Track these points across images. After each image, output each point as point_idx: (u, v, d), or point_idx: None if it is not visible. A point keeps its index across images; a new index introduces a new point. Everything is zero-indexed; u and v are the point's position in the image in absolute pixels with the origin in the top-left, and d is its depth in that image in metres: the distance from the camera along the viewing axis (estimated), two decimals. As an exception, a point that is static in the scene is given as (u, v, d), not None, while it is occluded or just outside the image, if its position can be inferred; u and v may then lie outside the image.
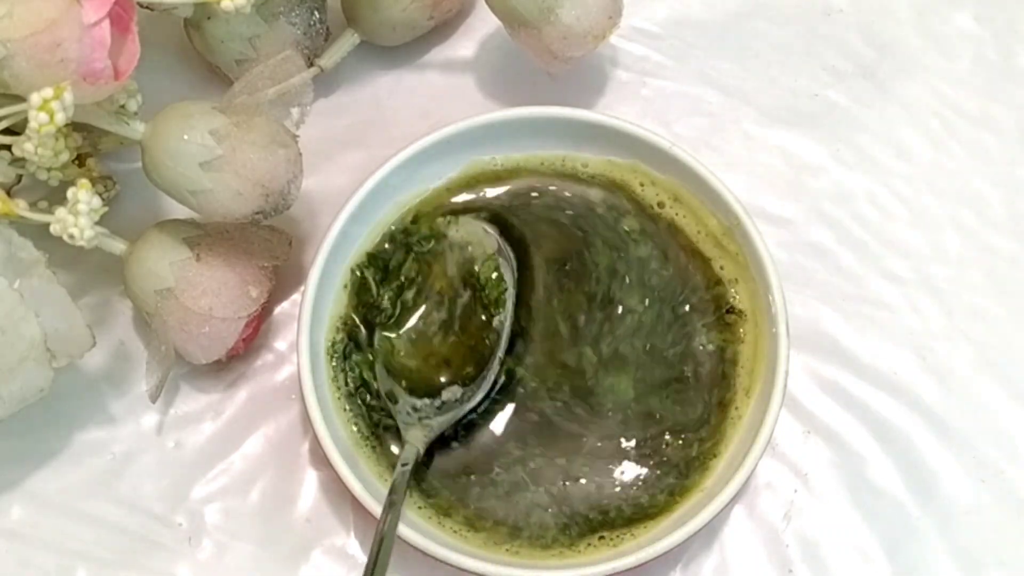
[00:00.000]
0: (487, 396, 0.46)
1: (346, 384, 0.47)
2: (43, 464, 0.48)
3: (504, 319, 0.47)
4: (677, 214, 0.50)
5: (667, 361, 0.47)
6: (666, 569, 0.47)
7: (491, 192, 0.50)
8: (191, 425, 0.49)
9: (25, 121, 0.40)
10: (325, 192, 0.52)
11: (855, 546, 0.48)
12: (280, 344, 0.51)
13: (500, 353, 0.46)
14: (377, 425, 0.47)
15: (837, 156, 0.55)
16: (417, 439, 0.45)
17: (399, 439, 0.46)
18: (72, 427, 0.49)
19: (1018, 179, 0.55)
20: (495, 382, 0.46)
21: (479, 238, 0.48)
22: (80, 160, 0.49)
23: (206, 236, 0.47)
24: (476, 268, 0.47)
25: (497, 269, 0.47)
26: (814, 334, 0.51)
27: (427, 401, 0.46)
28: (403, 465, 0.43)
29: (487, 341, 0.47)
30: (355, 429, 0.46)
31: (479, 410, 0.46)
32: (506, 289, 0.47)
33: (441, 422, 0.45)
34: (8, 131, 0.43)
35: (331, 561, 0.47)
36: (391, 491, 0.42)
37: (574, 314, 0.48)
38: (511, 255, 0.48)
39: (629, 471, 0.46)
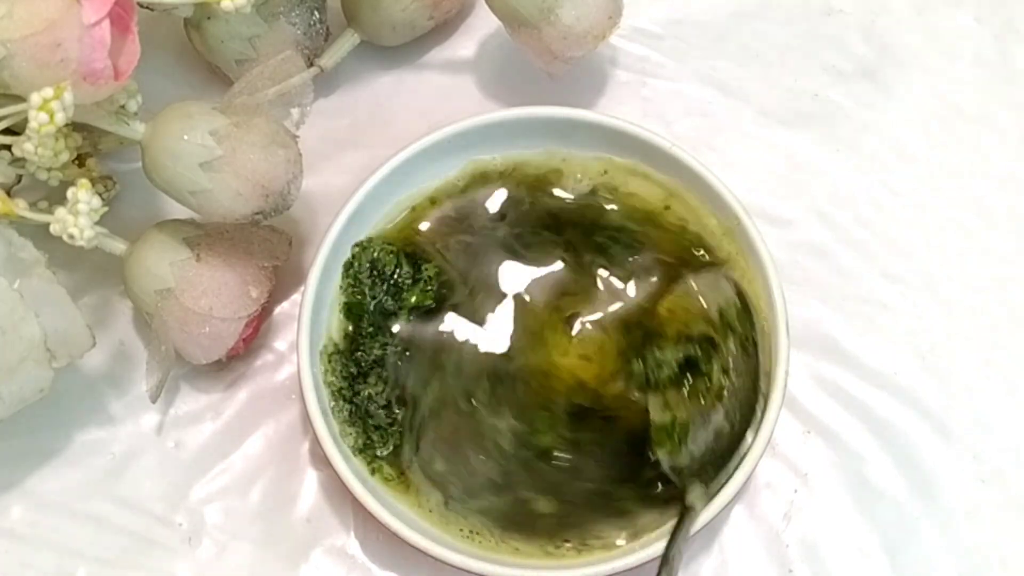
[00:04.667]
0: None
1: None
2: (43, 464, 0.48)
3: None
4: (679, 212, 0.50)
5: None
6: (666, 569, 0.47)
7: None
8: (191, 425, 0.49)
9: (25, 121, 0.40)
10: (325, 192, 0.52)
11: (855, 546, 0.48)
12: (280, 344, 0.51)
13: None
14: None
15: (837, 156, 0.55)
16: (698, 497, 0.42)
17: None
18: (72, 427, 0.49)
19: (1018, 179, 0.55)
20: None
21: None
22: (80, 160, 0.49)
23: (206, 236, 0.47)
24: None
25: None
26: (814, 334, 0.51)
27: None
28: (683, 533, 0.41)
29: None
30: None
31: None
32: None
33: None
34: (8, 131, 0.43)
35: (331, 561, 0.47)
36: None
37: (572, 313, 0.48)
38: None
39: (629, 471, 0.46)
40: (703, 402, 0.44)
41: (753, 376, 0.45)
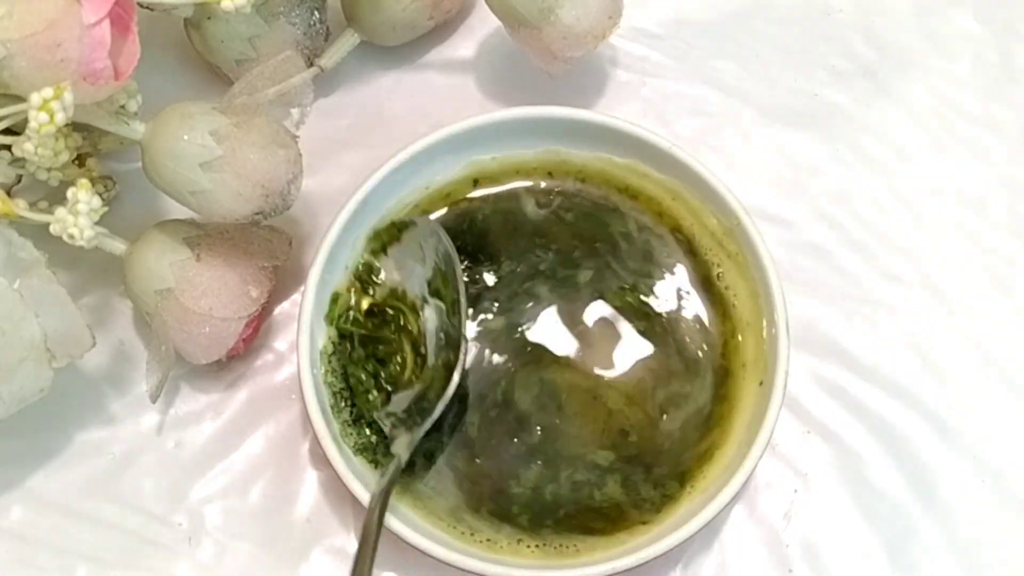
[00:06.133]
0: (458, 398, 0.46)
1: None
2: (43, 464, 0.48)
3: (459, 323, 0.47)
4: (677, 213, 0.50)
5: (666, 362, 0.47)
6: (666, 569, 0.47)
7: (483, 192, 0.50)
8: (191, 425, 0.49)
9: (25, 121, 0.40)
10: (325, 192, 0.52)
11: (855, 546, 0.48)
12: (280, 344, 0.51)
13: (462, 356, 0.46)
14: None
15: (837, 156, 0.55)
16: (402, 447, 0.44)
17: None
18: (72, 427, 0.49)
19: (1018, 179, 0.55)
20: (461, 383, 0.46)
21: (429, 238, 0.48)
22: (80, 160, 0.49)
23: (206, 236, 0.47)
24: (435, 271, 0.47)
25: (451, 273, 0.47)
26: (814, 334, 0.51)
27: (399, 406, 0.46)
28: (385, 478, 0.43)
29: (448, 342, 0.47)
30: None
31: (456, 413, 0.47)
32: (456, 297, 0.47)
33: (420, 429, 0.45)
34: (8, 131, 0.43)
35: (331, 561, 0.47)
36: (373, 502, 0.42)
37: (568, 313, 0.48)
38: (451, 253, 0.47)
39: (629, 471, 0.46)
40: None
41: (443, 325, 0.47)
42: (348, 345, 0.47)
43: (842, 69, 0.57)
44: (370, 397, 0.46)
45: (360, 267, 0.48)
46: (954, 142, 0.56)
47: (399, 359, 0.47)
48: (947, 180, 0.55)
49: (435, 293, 0.47)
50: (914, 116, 0.56)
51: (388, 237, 0.49)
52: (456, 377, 0.45)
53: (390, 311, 0.48)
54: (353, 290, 0.48)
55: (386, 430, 0.45)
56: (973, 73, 0.57)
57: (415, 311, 0.47)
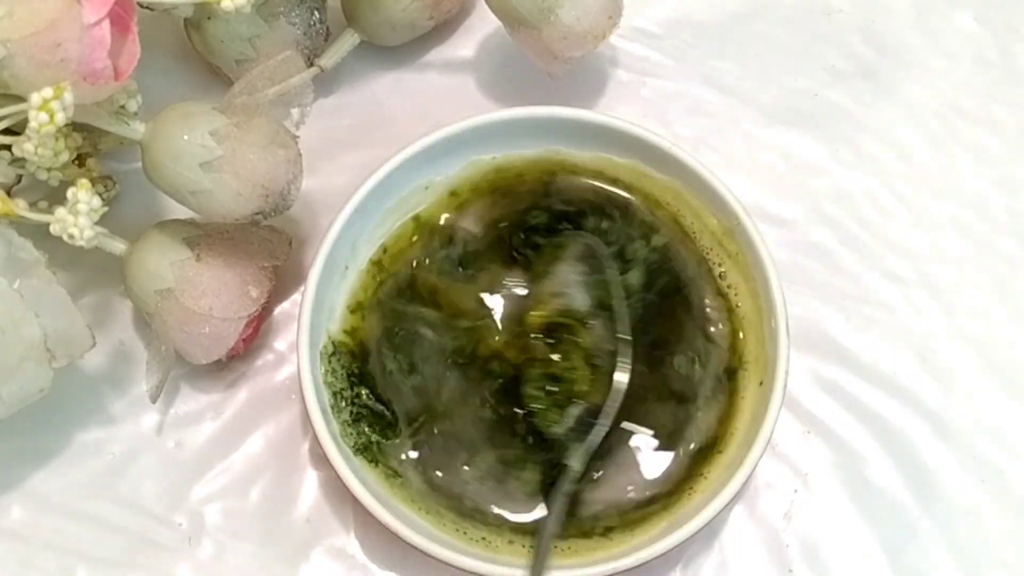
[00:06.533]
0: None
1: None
2: (43, 464, 0.48)
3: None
4: (678, 212, 0.50)
5: (666, 362, 0.47)
6: (666, 569, 0.47)
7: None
8: (191, 425, 0.49)
9: (25, 121, 0.40)
10: (325, 192, 0.52)
11: (855, 546, 0.48)
12: (280, 344, 0.51)
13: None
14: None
15: (837, 156, 0.55)
16: (576, 458, 0.45)
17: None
18: (72, 427, 0.49)
19: (1018, 179, 0.55)
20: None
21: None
22: (80, 160, 0.49)
23: (206, 236, 0.47)
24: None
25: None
26: (814, 334, 0.51)
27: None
28: (560, 489, 0.44)
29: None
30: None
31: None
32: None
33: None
34: (8, 131, 0.43)
35: (331, 561, 0.47)
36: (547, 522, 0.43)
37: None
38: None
39: (629, 471, 0.46)
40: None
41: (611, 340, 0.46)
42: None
43: (842, 69, 0.57)
44: (551, 415, 0.46)
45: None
46: (954, 142, 0.56)
47: (573, 373, 0.46)
48: (947, 180, 0.55)
49: (599, 303, 0.47)
50: (914, 116, 0.56)
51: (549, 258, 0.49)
52: (624, 380, 0.46)
53: (561, 326, 0.47)
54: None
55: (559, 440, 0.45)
56: (973, 73, 0.57)
57: (583, 323, 0.47)
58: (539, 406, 0.46)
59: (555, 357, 0.46)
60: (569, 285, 0.47)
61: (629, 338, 0.46)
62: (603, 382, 0.46)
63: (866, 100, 0.56)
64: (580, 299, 0.47)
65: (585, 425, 0.45)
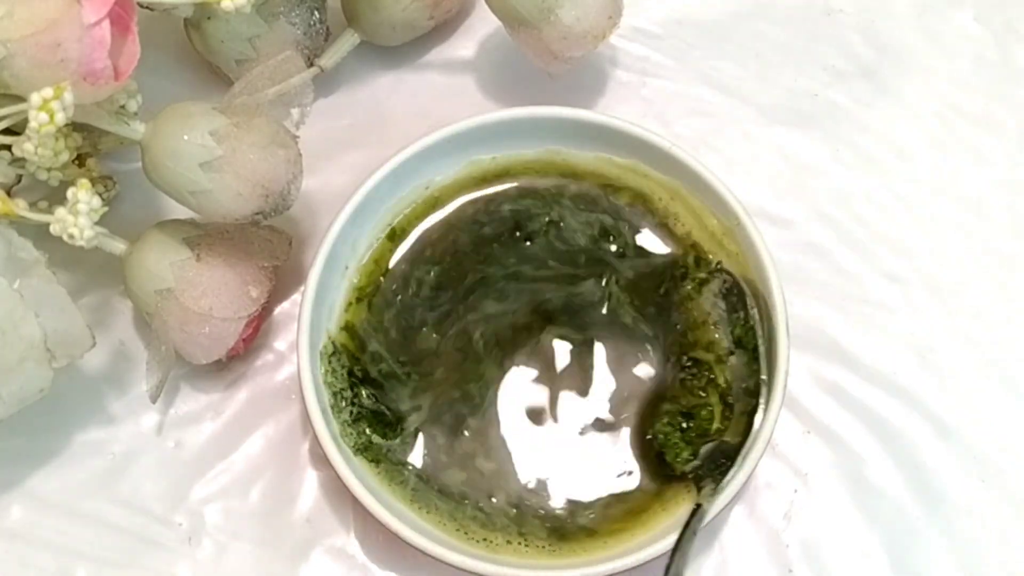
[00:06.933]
0: None
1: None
2: (43, 464, 0.48)
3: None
4: (677, 212, 0.50)
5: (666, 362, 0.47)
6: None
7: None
8: (191, 425, 0.49)
9: (25, 121, 0.40)
10: (325, 192, 0.52)
11: (855, 546, 0.48)
12: (280, 344, 0.51)
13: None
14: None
15: (837, 156, 0.55)
16: (707, 497, 0.43)
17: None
18: (72, 427, 0.49)
19: (1018, 179, 0.55)
20: None
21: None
22: (80, 160, 0.49)
23: (206, 236, 0.47)
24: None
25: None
26: (814, 334, 0.51)
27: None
28: (692, 530, 0.42)
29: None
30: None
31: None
32: None
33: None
34: (8, 131, 0.43)
35: (331, 561, 0.47)
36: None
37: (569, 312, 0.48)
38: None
39: (629, 472, 0.46)
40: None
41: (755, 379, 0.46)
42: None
43: (842, 69, 0.57)
44: (682, 453, 0.45)
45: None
46: (954, 142, 0.56)
47: (707, 411, 0.46)
48: (947, 180, 0.55)
49: (738, 342, 0.46)
50: (914, 116, 0.56)
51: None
52: (759, 423, 0.44)
53: (700, 362, 0.47)
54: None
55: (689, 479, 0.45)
56: (973, 73, 0.57)
57: (721, 361, 0.46)
58: (672, 441, 0.45)
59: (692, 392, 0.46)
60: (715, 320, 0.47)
61: (762, 378, 0.45)
62: (740, 421, 0.45)
63: (866, 100, 0.56)
64: (722, 334, 0.46)
65: (718, 464, 0.44)
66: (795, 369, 0.47)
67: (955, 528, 0.48)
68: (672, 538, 0.42)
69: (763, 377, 0.45)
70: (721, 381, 0.46)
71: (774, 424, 0.44)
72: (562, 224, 0.49)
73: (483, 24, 0.57)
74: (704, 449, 0.45)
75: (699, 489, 0.44)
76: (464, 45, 0.57)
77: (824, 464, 0.49)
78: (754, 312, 0.46)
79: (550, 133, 0.50)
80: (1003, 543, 0.48)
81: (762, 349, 0.46)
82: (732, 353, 0.46)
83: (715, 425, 0.45)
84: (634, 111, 0.55)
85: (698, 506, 0.43)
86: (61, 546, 0.47)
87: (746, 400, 0.45)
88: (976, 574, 0.47)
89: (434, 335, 0.48)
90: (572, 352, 0.47)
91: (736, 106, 0.56)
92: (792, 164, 0.55)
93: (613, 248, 0.49)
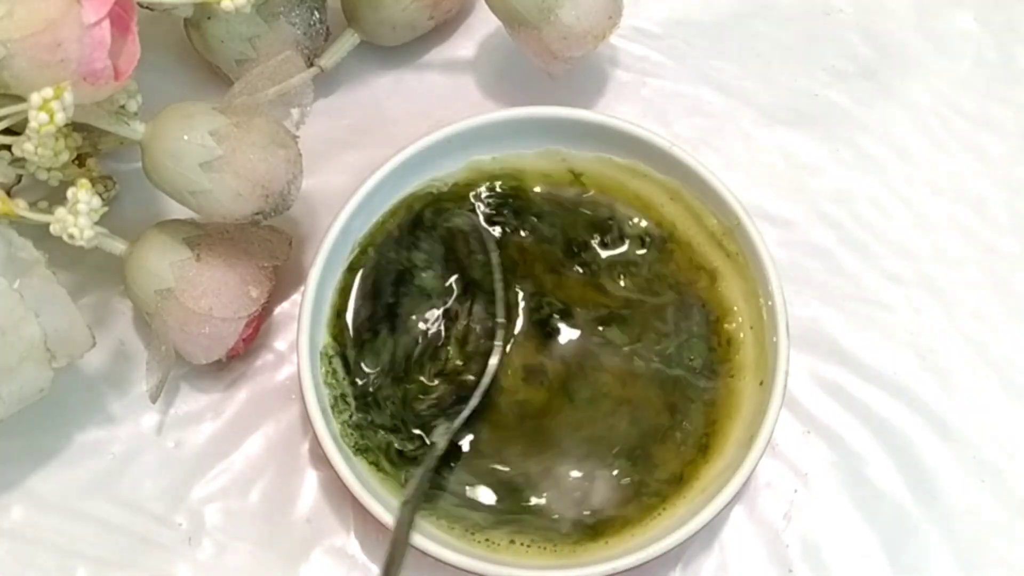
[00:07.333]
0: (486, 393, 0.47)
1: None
2: (43, 464, 0.48)
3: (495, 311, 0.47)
4: (676, 213, 0.50)
5: (666, 362, 0.47)
6: (666, 569, 0.47)
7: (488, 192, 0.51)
8: (191, 425, 0.49)
9: (25, 121, 0.40)
10: (325, 192, 0.52)
11: (855, 546, 0.48)
12: (280, 344, 0.51)
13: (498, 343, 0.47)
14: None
15: (837, 156, 0.55)
16: (440, 435, 0.45)
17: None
18: (72, 427, 0.49)
19: (1018, 179, 0.55)
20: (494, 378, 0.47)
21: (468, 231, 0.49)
22: (80, 160, 0.49)
23: (206, 236, 0.47)
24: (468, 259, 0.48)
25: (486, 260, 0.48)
26: (814, 334, 0.51)
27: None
28: (423, 466, 0.44)
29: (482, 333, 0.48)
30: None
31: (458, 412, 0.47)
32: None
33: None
34: (8, 131, 0.43)
35: (331, 561, 0.47)
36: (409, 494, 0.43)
37: (568, 311, 0.48)
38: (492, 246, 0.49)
39: (629, 471, 0.46)
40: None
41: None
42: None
43: (842, 69, 0.57)
44: (409, 387, 0.47)
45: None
46: (954, 142, 0.56)
47: (445, 352, 0.47)
48: (947, 180, 0.55)
49: (476, 284, 0.48)
50: (914, 116, 0.56)
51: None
52: (493, 363, 0.46)
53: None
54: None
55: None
56: (973, 73, 0.57)
57: (459, 303, 0.48)
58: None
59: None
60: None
61: (503, 321, 0.47)
62: (480, 363, 0.47)
63: (866, 100, 0.56)
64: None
65: (453, 404, 0.46)
66: (795, 369, 0.47)
67: (955, 528, 0.48)
68: (672, 538, 0.42)
69: (501, 320, 0.47)
70: (457, 322, 0.48)
71: (774, 424, 0.44)
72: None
73: (483, 24, 0.57)
74: (441, 387, 0.47)
75: (432, 428, 0.46)
76: (464, 45, 0.57)
77: (824, 464, 0.49)
78: (495, 256, 0.48)
79: (550, 133, 0.50)
80: (1003, 543, 0.48)
81: (499, 293, 0.47)
82: (469, 294, 0.48)
83: (450, 365, 0.47)
84: (634, 111, 0.55)
85: (432, 444, 0.45)
86: (61, 546, 0.47)
87: (485, 342, 0.47)
88: (976, 574, 0.47)
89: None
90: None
91: (736, 106, 0.56)
92: (792, 164, 0.55)
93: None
